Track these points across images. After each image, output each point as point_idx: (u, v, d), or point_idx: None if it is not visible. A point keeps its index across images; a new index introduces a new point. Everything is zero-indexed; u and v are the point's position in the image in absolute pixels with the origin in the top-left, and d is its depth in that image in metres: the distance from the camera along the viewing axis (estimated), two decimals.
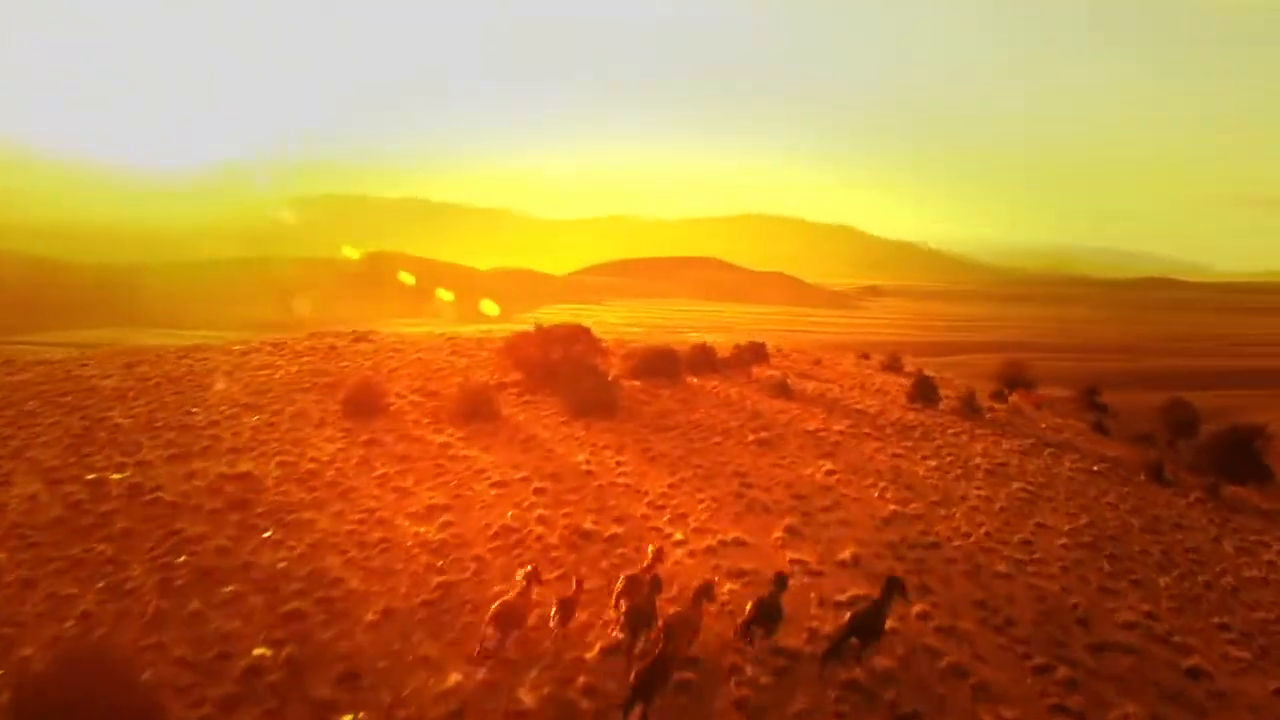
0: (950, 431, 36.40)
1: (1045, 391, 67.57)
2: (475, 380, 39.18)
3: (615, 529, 22.98)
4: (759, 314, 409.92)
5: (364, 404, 33.85)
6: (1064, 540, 24.95)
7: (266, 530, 22.87)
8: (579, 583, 18.67)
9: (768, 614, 17.56)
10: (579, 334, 39.68)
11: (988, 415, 41.43)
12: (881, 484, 28.01)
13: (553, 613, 18.29)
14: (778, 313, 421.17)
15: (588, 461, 28.50)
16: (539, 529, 22.99)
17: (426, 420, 33.09)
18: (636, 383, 39.11)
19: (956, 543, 23.67)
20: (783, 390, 39.72)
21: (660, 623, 16.96)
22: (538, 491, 25.58)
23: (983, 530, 24.74)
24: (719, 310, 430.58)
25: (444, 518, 23.56)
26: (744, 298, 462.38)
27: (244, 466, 27.34)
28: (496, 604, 17.67)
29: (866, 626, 17.19)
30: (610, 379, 38.44)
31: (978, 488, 28.77)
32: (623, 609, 17.88)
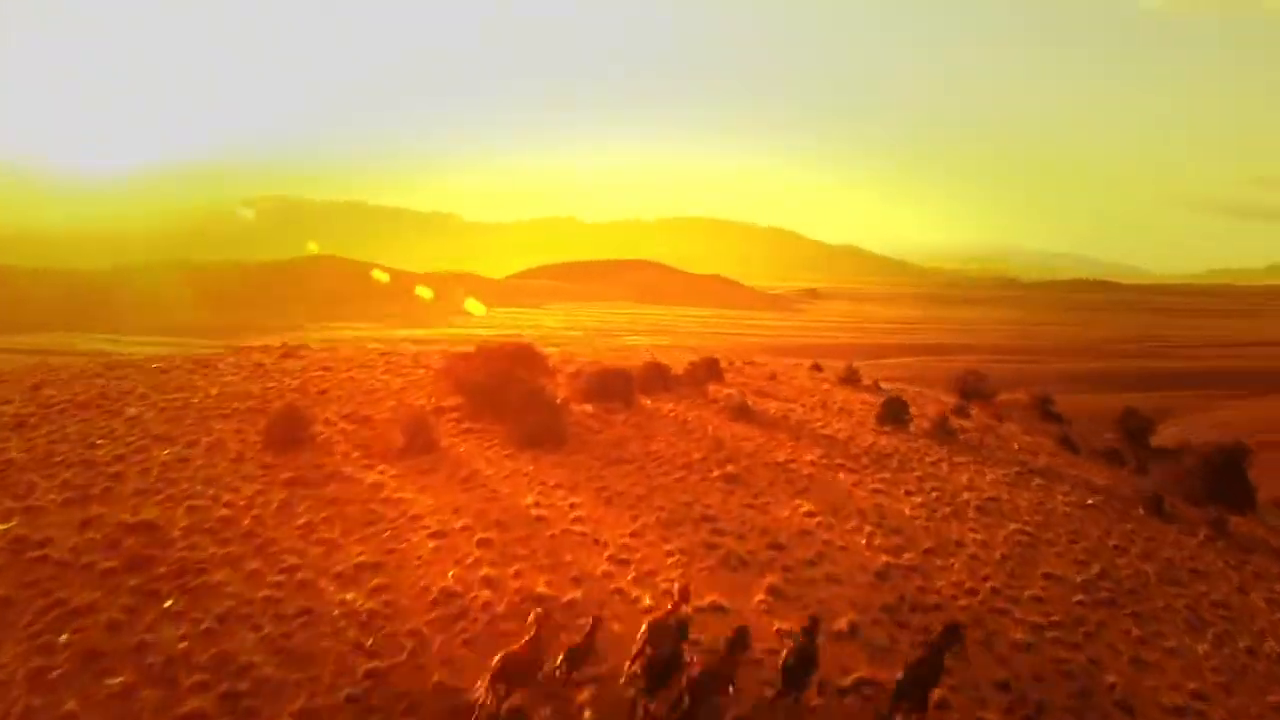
0: (928, 459, 33.56)
1: (997, 398, 65.42)
2: (411, 405, 35.89)
3: (573, 592, 19.89)
4: (698, 317, 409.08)
5: (288, 434, 30.43)
6: (1079, 596, 22.10)
7: (168, 598, 19.54)
8: (594, 624, 16.79)
9: (802, 666, 15.74)
10: (523, 353, 36.47)
11: (961, 437, 38.72)
12: (867, 528, 25.05)
13: (559, 663, 16.29)
14: (716, 316, 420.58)
15: (537, 504, 25.33)
16: (485, 593, 19.84)
17: (357, 454, 29.75)
18: (587, 407, 35.91)
19: (962, 602, 20.78)
20: (743, 413, 36.72)
21: (688, 676, 15.07)
22: (482, 544, 22.40)
23: (988, 585, 21.83)
24: (658, 313, 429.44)
25: (375, 579, 20.35)
26: (683, 301, 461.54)
27: (148, 513, 23.90)
28: (499, 657, 15.72)
29: (921, 681, 14.70)
30: (559, 402, 35.35)
31: (972, 529, 25.90)
32: (644, 658, 15.78)
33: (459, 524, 23.57)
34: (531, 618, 16.68)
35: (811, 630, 16.44)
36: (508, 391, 34.07)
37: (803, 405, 42.35)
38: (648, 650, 16.07)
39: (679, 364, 52.71)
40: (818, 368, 63.15)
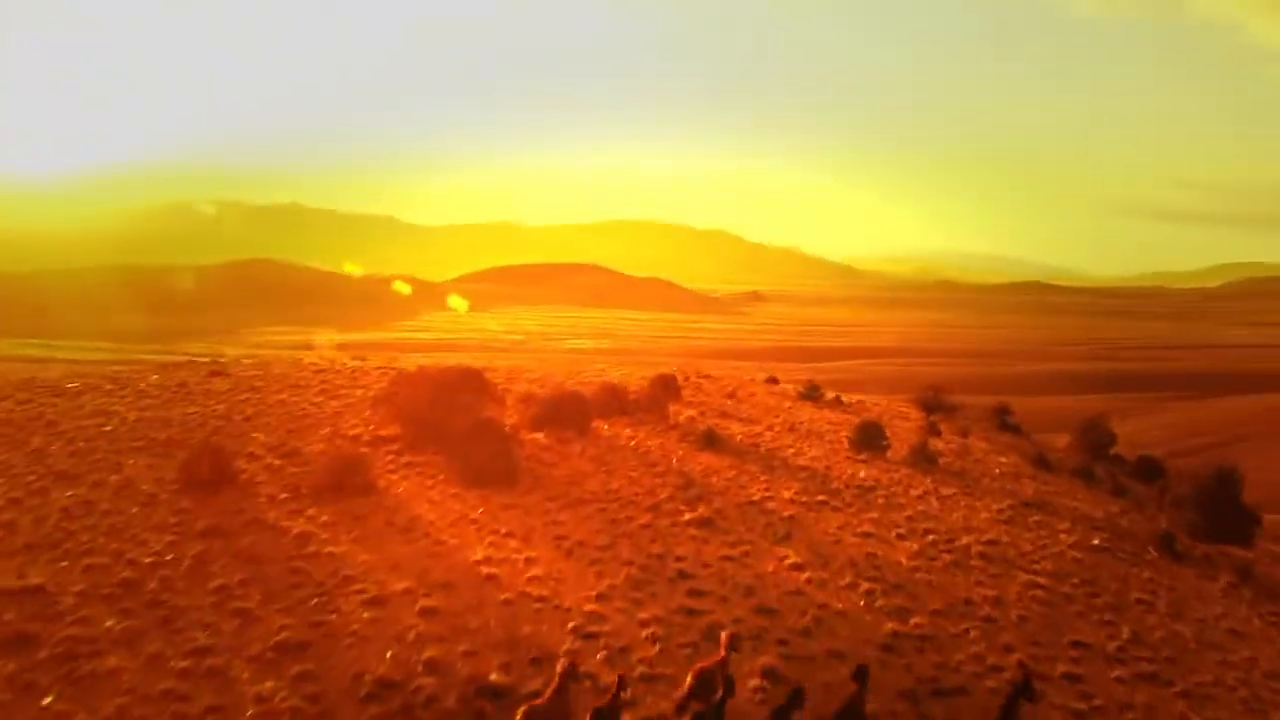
0: (914, 492, 30.70)
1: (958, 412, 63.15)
2: (346, 436, 32.57)
3: (533, 681, 16.71)
4: (640, 321, 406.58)
5: (207, 473, 26.96)
6: (1117, 671, 19.09)
7: (49, 693, 16.18)
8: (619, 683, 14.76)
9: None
10: (469, 377, 33.23)
11: (941, 463, 35.93)
12: (864, 584, 21.97)
13: None
14: (658, 320, 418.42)
15: (488, 559, 22.07)
16: (428, 681, 16.65)
17: (285, 495, 26.33)
18: (539, 435, 32.69)
19: (990, 683, 17.78)
20: (709, 440, 33.65)
21: None
22: (426, 613, 19.15)
23: (1013, 656, 18.88)
24: (599, 317, 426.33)
25: (299, 664, 17.06)
26: (624, 304, 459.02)
27: (37, 576, 20.37)
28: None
29: None
30: (509, 430, 32.20)
31: (979, 583, 22.92)
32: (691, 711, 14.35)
33: (399, 586, 20.29)
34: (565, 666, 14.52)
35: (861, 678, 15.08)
36: (452, 420, 30.83)
37: (769, 428, 39.48)
38: (694, 704, 14.59)
39: (632, 380, 49.78)
40: (774, 380, 60.51)
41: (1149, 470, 65.17)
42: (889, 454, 35.95)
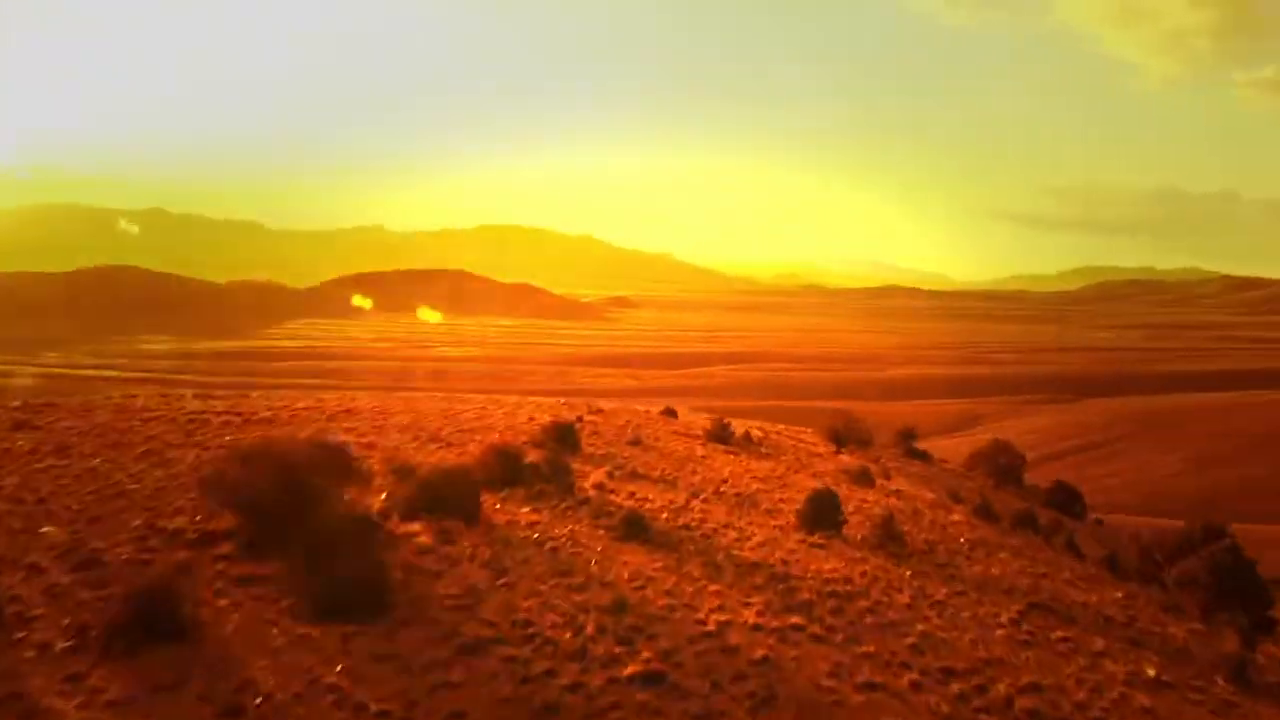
0: (900, 598, 23.68)
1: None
2: (166, 530, 24.50)
3: None
4: (507, 327, 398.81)
5: None
6: None
7: None
8: None
9: None
10: (326, 455, 25.35)
11: (907, 540, 29.37)
12: None
13: None
14: (527, 325, 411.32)
15: None
16: None
17: (63, 647, 18.39)
18: (416, 527, 25.03)
19: None
20: (631, 527, 26.32)
21: None
22: None
23: None
24: (466, 323, 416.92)
25: None
26: (492, 310, 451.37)
27: None
28: None
29: None
30: (376, 519, 24.64)
31: None
32: None
33: None
34: None
35: None
36: (304, 512, 23.14)
37: (693, 492, 32.45)
38: None
39: (520, 421, 42.64)
40: (672, 414, 53.86)
41: (1066, 499, 60.82)
42: (845, 530, 29.27)
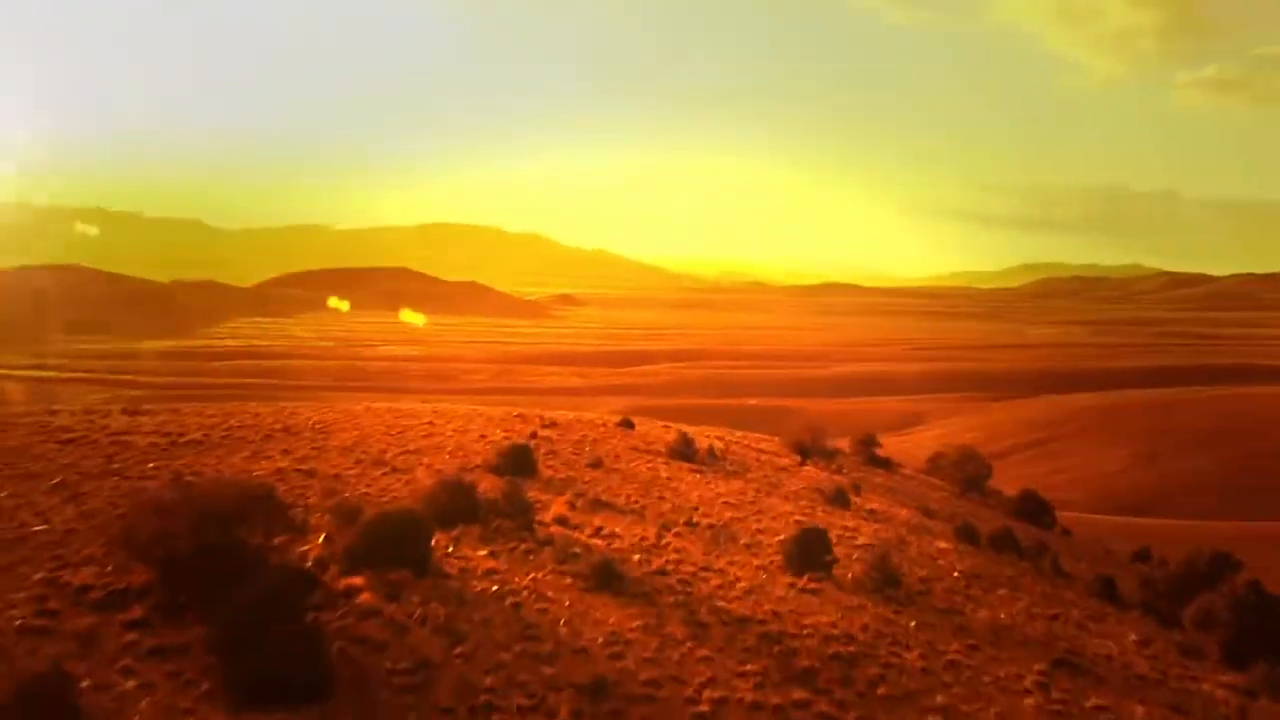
0: (912, 659, 20.64)
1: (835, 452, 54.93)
2: (70, 587, 20.90)
3: None
4: (451, 325, 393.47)
5: None
6: None
7: None
8: None
9: None
10: (256, 503, 21.78)
11: (902, 580, 26.33)
12: None
13: None
14: (471, 324, 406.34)
15: None
16: None
17: None
18: (358, 581, 21.59)
19: None
20: (605, 578, 22.89)
21: None
22: None
23: None
24: (411, 321, 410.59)
25: None
26: (437, 308, 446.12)
27: None
28: None
29: None
30: (312, 573, 21.23)
31: None
32: None
33: None
34: None
35: None
36: (227, 573, 19.67)
37: (663, 524, 29.27)
38: None
39: (471, 438, 39.32)
40: (629, 425, 50.59)
41: (1035, 510, 58.45)
42: (835, 569, 26.19)
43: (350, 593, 21.10)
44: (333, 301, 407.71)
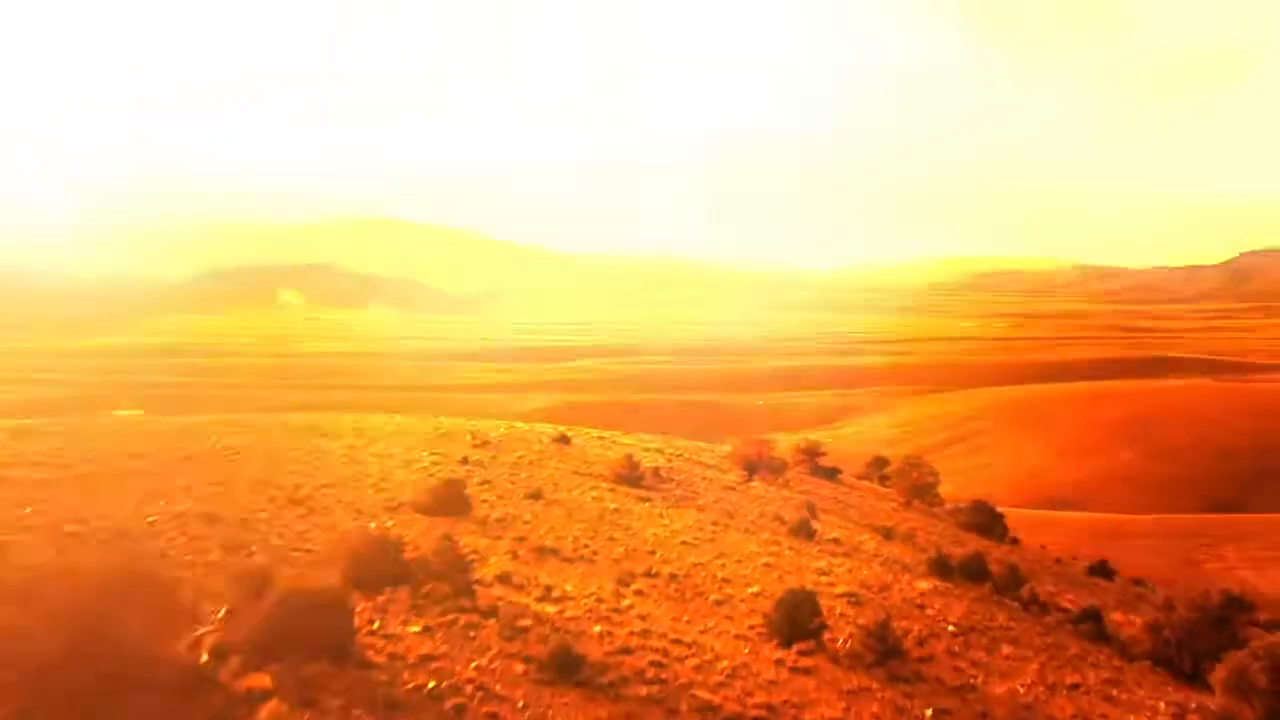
0: None
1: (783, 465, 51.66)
2: None
3: None
4: (379, 322, 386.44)
5: None
6: None
7: None
8: None
9: None
10: (137, 585, 17.20)
11: (903, 653, 22.54)
12: None
13: None
14: (396, 318, 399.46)
15: None
16: None
17: None
18: (263, 683, 17.13)
19: None
20: (564, 668, 18.38)
21: None
22: None
23: None
24: (337, 317, 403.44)
25: None
26: (363, 304, 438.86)
27: None
28: None
29: None
30: (206, 673, 16.85)
31: None
32: None
33: None
34: None
35: None
36: (98, 680, 15.25)
37: (619, 577, 25.21)
38: None
39: (393, 470, 34.93)
40: (566, 441, 46.57)
41: (986, 521, 55.75)
42: (826, 636, 22.24)
43: (253, 698, 16.68)
44: (285, 295, 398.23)
